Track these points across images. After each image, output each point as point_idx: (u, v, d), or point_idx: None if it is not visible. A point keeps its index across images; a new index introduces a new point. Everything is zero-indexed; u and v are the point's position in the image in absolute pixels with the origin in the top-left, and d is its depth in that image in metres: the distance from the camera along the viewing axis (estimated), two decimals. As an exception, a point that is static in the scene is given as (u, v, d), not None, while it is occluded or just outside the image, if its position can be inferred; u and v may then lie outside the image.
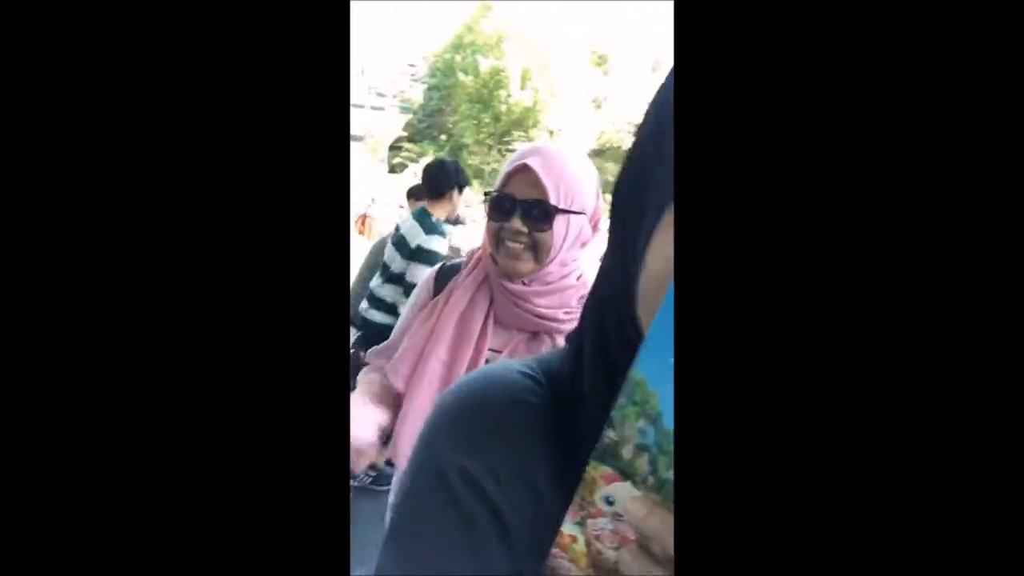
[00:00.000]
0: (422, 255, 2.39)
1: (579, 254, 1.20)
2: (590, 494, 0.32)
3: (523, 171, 1.12)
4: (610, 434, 0.31)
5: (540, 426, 0.44)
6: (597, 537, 0.32)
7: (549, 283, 1.17)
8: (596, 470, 0.32)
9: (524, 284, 1.16)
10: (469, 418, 0.45)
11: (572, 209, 1.15)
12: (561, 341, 1.15)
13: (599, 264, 0.45)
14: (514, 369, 0.47)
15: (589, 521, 0.32)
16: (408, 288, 2.35)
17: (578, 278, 1.20)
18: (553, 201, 1.12)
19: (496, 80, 16.03)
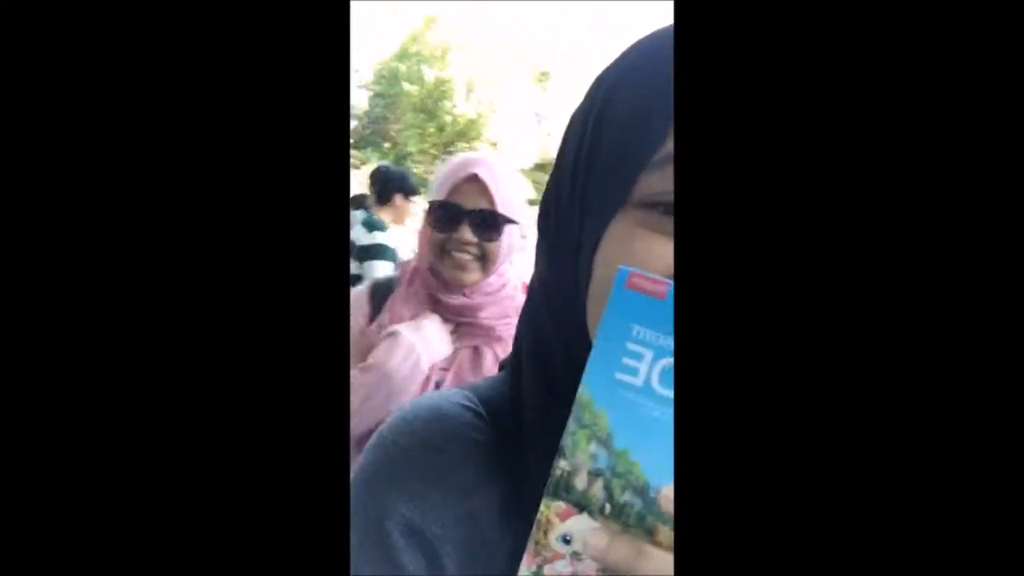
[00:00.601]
0: (369, 252, 2.61)
1: (509, 264, 1.21)
2: (544, 536, 0.31)
3: (470, 181, 1.11)
4: (561, 464, 0.30)
5: (484, 463, 0.42)
6: None
7: (489, 293, 1.17)
8: (549, 508, 0.30)
9: (466, 296, 1.15)
10: (409, 460, 0.42)
11: (512, 218, 1.13)
12: (500, 351, 1.15)
13: (532, 282, 0.44)
14: (454, 401, 0.45)
15: (546, 568, 0.31)
16: None
17: (512, 287, 1.21)
18: (501, 210, 1.11)
19: (441, 91, 16.01)
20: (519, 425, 0.42)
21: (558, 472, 0.30)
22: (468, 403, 0.45)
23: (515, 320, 1.35)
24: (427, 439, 0.43)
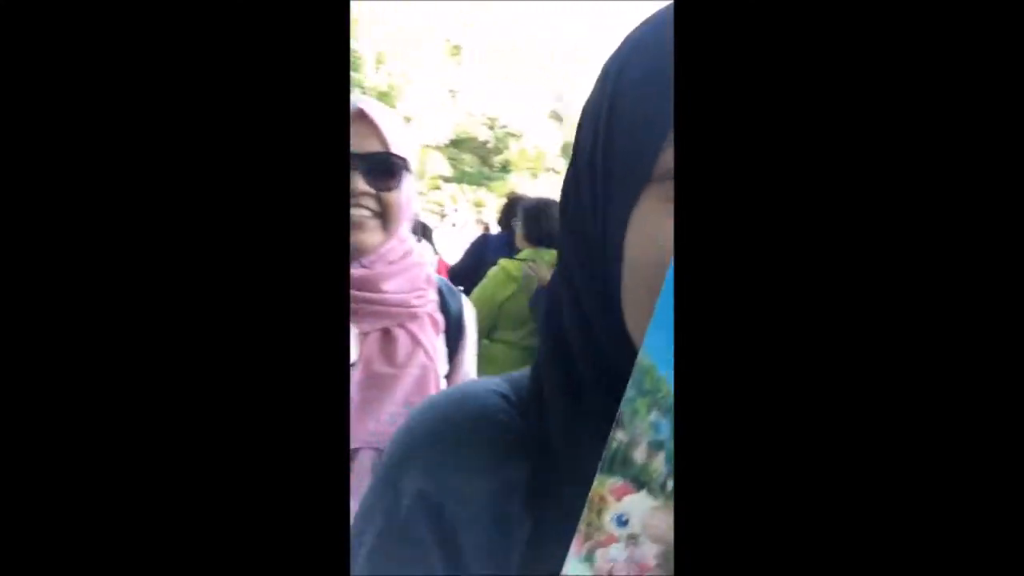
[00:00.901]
0: None
1: (407, 226, 1.04)
2: (598, 517, 0.27)
3: (355, 120, 0.94)
4: (618, 436, 0.27)
5: (508, 445, 0.42)
6: (611, 573, 0.27)
7: (393, 261, 1.00)
8: (603, 485, 0.27)
9: (364, 267, 0.98)
10: (431, 438, 0.43)
11: (408, 164, 0.98)
12: (416, 330, 1.05)
13: (554, 276, 0.44)
14: (485, 387, 0.46)
15: (599, 552, 0.27)
16: None
17: (419, 255, 1.04)
18: (396, 151, 0.95)
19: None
20: (541, 413, 0.42)
21: (614, 444, 0.27)
22: (499, 388, 0.45)
23: (430, 292, 1.24)
24: (451, 418, 0.44)
